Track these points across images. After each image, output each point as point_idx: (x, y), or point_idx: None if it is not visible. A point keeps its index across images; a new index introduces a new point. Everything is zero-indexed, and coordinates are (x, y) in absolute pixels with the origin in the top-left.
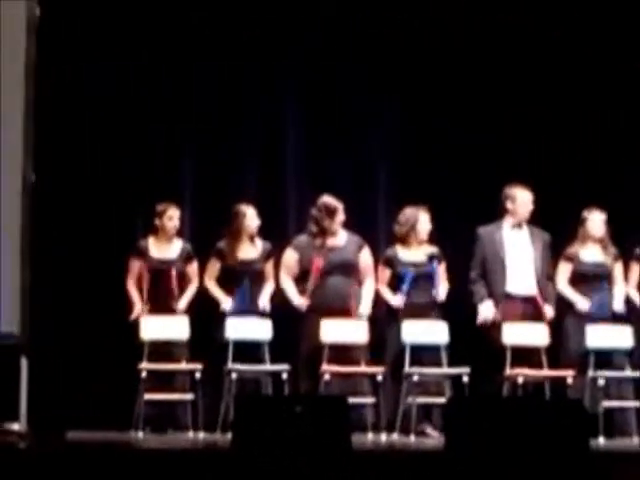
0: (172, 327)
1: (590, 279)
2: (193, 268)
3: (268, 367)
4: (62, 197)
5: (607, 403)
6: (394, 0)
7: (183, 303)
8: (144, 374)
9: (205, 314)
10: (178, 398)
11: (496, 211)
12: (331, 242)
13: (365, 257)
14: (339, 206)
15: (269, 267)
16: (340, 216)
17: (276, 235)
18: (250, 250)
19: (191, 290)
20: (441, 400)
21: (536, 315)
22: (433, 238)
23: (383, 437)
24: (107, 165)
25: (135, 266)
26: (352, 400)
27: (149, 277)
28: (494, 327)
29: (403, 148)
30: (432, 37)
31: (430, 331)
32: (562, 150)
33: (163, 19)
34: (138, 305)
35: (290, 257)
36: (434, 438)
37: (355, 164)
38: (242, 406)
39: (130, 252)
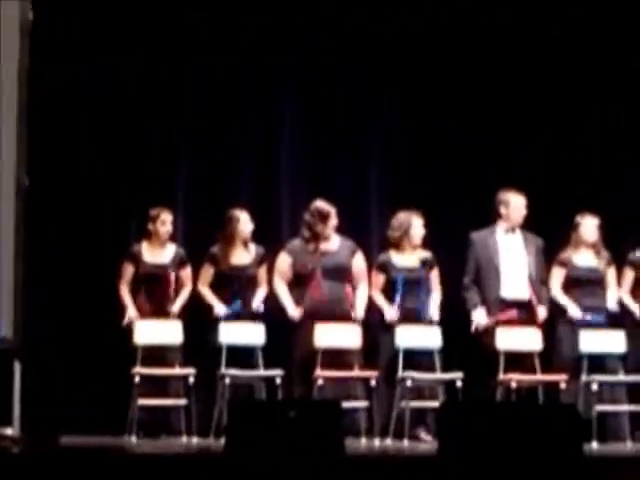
0: (165, 332)
1: (583, 284)
2: (186, 273)
3: (261, 372)
4: (56, 201)
5: (600, 407)
6: (394, 0)
7: (176, 308)
8: (137, 379)
9: (198, 319)
10: (171, 403)
11: (490, 216)
12: (324, 247)
13: (358, 262)
14: (332, 211)
15: (262, 272)
16: (333, 221)
17: (270, 239)
18: (243, 255)
19: (184, 295)
20: (434, 405)
21: (530, 320)
22: (427, 243)
23: (377, 442)
24: (101, 168)
25: (128, 271)
26: (346, 405)
27: (142, 282)
28: (487, 332)
29: (401, 149)
30: (432, 37)
31: (424, 336)
32: (556, 155)
33: (158, 19)
34: (130, 310)
35: (284, 261)
36: (427, 443)
37: (350, 165)
38: (235, 411)
39: (123, 256)
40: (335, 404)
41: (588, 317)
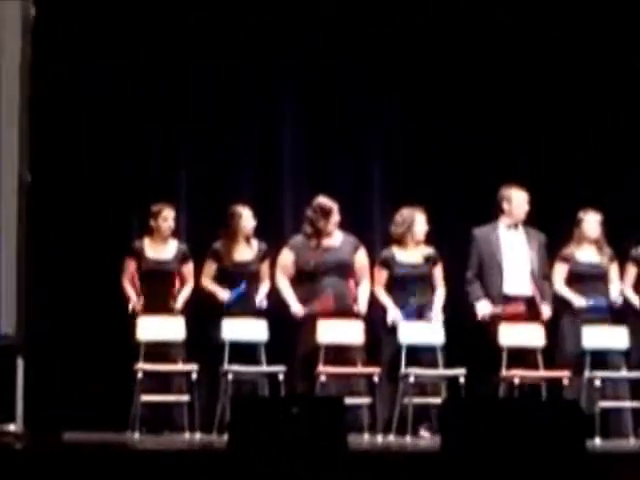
0: (168, 328)
1: (586, 280)
2: (189, 269)
3: (264, 368)
4: (58, 197)
5: (603, 404)
6: (394, 0)
7: (179, 304)
8: (140, 375)
9: (201, 315)
10: (174, 399)
11: (492, 212)
12: (326, 243)
13: (361, 258)
14: (334, 207)
15: (265, 268)
16: (335, 217)
17: (272, 235)
18: (246, 251)
19: (187, 291)
20: (437, 401)
21: (533, 316)
22: (429, 239)
23: (379, 438)
24: (103, 165)
25: (130, 266)
26: (348, 401)
27: (144, 278)
28: (490, 328)
29: (401, 149)
30: (432, 37)
31: (426, 332)
32: (558, 151)
33: (159, 18)
34: (134, 298)
35: (286, 257)
36: (426, 439)
37: (351, 165)
38: (238, 407)
39: (125, 253)
40: (338, 400)
41: (591, 302)
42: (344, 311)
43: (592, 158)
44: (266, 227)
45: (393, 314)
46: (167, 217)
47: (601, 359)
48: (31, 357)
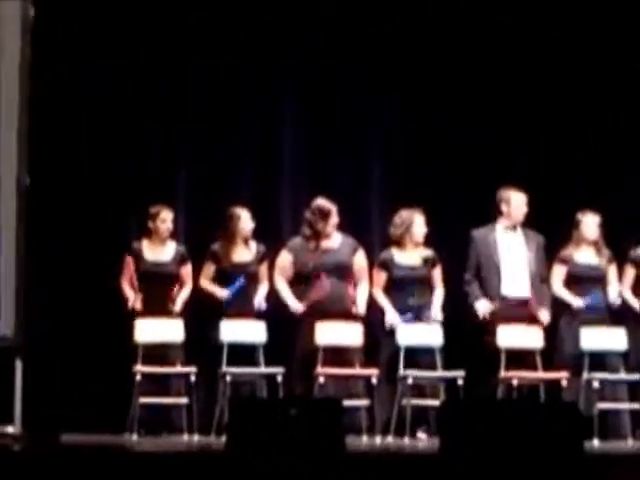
0: (167, 330)
1: (584, 281)
2: (187, 270)
3: (263, 370)
4: (56, 199)
5: (602, 405)
6: (394, 0)
7: (177, 306)
8: (139, 377)
9: (200, 317)
10: (173, 401)
11: (491, 214)
12: (325, 244)
13: (360, 259)
14: (333, 208)
15: (263, 269)
16: (334, 218)
17: (271, 237)
18: (244, 253)
19: (185, 293)
20: (436, 403)
21: (531, 317)
22: (428, 241)
23: (378, 440)
24: (101, 167)
25: (129, 266)
26: (347, 403)
27: (142, 280)
28: (489, 329)
29: (400, 150)
30: (432, 37)
31: (425, 334)
32: (557, 152)
33: (159, 18)
34: (133, 296)
35: (285, 259)
36: (423, 441)
37: (350, 166)
38: (237, 409)
39: (124, 253)
40: (336, 402)
41: (589, 300)
42: (343, 314)
43: (591, 159)
44: (265, 229)
45: (391, 317)
46: (165, 219)
47: (599, 361)
48: (29, 359)
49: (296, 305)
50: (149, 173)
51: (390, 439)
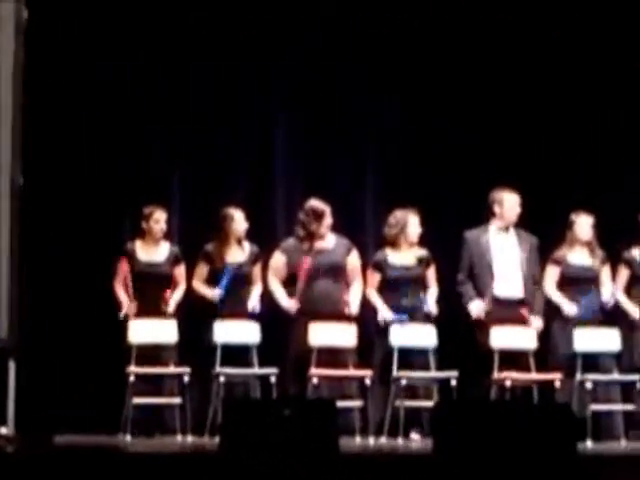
0: (160, 330)
1: (578, 282)
2: (181, 271)
3: (256, 370)
4: (50, 200)
5: (595, 406)
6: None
7: (171, 306)
8: (132, 378)
9: (193, 317)
10: (166, 402)
11: (486, 214)
12: (319, 245)
13: (353, 260)
14: (326, 209)
15: (257, 270)
16: (328, 219)
17: (265, 238)
18: (238, 253)
19: (179, 293)
20: (429, 404)
21: (524, 318)
22: (423, 242)
23: (371, 441)
24: (95, 167)
25: (122, 269)
26: (340, 403)
27: (136, 280)
28: (482, 330)
29: (394, 151)
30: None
31: (418, 335)
32: (551, 154)
33: (153, 18)
34: (127, 302)
35: (278, 260)
36: (417, 442)
37: (344, 166)
38: (230, 409)
39: (118, 255)
40: (330, 403)
41: (582, 309)
42: (336, 315)
43: (584, 160)
44: (259, 229)
45: (383, 313)
46: (159, 219)
47: (593, 362)
48: (23, 360)
49: (289, 303)
50: (143, 174)
51: (383, 440)
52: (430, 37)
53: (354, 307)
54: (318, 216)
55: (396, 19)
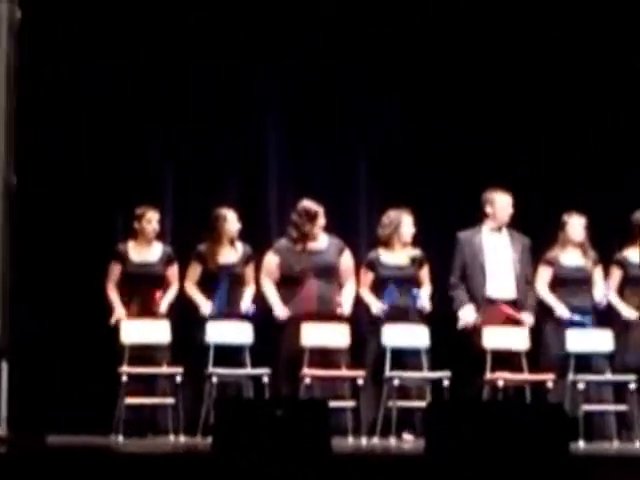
0: (153, 331)
1: (570, 283)
2: (173, 271)
3: (249, 371)
4: (43, 200)
5: (587, 407)
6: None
7: (164, 306)
8: (125, 378)
9: (186, 318)
10: (159, 402)
11: (478, 215)
12: (312, 246)
13: (346, 260)
14: (320, 210)
15: (249, 271)
16: (321, 220)
17: (258, 238)
18: (230, 254)
19: (172, 293)
20: (422, 404)
21: (516, 319)
22: (417, 241)
23: (363, 441)
24: (87, 168)
25: (115, 270)
26: (332, 404)
27: (129, 281)
28: (475, 331)
29: (387, 151)
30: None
31: (411, 335)
32: (543, 154)
33: (145, 18)
34: (118, 309)
35: (271, 261)
36: (409, 443)
37: (336, 167)
38: (223, 410)
39: (110, 256)
40: (322, 403)
41: (576, 317)
42: (329, 315)
43: (577, 161)
44: (251, 230)
45: (376, 306)
46: (151, 219)
47: (585, 362)
48: (15, 360)
49: (281, 311)
50: (135, 174)
51: (376, 440)
52: (429, 37)
53: (346, 307)
54: (311, 217)
55: (396, 19)
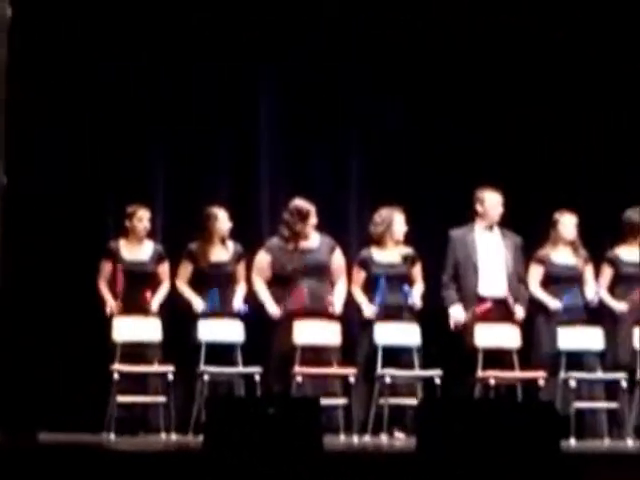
0: (144, 329)
1: (561, 281)
2: (164, 269)
3: (240, 369)
4: (34, 199)
5: (578, 404)
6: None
7: (155, 304)
8: (116, 376)
9: (177, 316)
10: (150, 400)
11: (470, 213)
12: (304, 245)
13: (337, 258)
14: (311, 209)
15: (240, 269)
16: (312, 219)
17: (249, 237)
18: (221, 252)
19: (163, 291)
20: (413, 402)
21: (508, 317)
22: (409, 239)
23: (355, 439)
24: (78, 166)
25: (106, 268)
26: (324, 401)
27: (120, 279)
28: (466, 330)
29: (379, 148)
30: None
31: (402, 333)
32: (535, 153)
33: (140, 18)
34: (111, 301)
35: (263, 259)
36: (400, 440)
37: (328, 165)
38: (214, 408)
39: (101, 254)
40: (314, 401)
41: (565, 301)
42: (321, 313)
43: (568, 159)
44: (243, 229)
45: (368, 309)
46: (142, 218)
47: (576, 360)
48: (6, 357)
49: (274, 310)
50: (126, 173)
51: (367, 438)
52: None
53: (338, 306)
54: (303, 216)
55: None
